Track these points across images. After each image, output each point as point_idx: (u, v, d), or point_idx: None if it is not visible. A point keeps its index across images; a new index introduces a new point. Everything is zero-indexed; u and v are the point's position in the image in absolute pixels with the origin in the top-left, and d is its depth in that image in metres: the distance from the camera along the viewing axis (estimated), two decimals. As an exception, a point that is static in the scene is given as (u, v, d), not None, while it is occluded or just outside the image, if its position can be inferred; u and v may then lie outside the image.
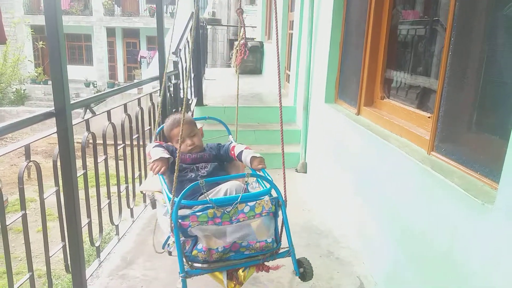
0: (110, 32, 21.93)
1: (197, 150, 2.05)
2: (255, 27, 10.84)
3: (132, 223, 3.05)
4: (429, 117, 2.09)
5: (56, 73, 1.83)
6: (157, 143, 2.07)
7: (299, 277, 1.66)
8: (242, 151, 1.95)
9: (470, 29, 1.81)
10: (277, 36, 1.79)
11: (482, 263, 1.45)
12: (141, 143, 3.17)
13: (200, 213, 1.50)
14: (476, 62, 1.76)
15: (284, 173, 1.75)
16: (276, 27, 1.99)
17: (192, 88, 4.83)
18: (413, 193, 1.99)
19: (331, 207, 3.37)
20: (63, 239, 2.10)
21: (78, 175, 2.09)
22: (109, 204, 2.66)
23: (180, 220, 1.50)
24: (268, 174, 1.80)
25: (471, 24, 1.81)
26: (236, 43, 2.18)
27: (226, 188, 1.69)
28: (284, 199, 1.65)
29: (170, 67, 3.75)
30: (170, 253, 1.76)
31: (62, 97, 1.86)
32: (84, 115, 2.26)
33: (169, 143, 2.17)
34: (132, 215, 3.08)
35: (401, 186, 2.12)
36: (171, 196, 1.54)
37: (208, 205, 1.51)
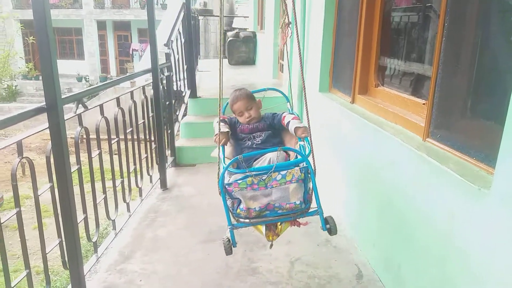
0: (101, 25, 21.70)
1: (255, 121, 2.31)
2: (247, 17, 10.76)
3: (129, 218, 3.04)
4: (423, 104, 2.08)
5: (46, 68, 1.80)
6: (221, 118, 2.26)
7: (327, 232, 1.95)
8: (290, 121, 2.21)
9: (463, 15, 1.80)
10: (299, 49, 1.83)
11: (480, 247, 1.46)
12: (135, 136, 3.15)
13: (241, 181, 1.82)
14: (470, 47, 1.75)
15: (311, 145, 2.03)
16: (298, 48, 2.31)
17: (185, 80, 4.79)
18: (409, 180, 1.99)
19: (326, 195, 3.37)
20: (59, 235, 2.09)
21: (72, 171, 2.07)
22: (105, 199, 2.65)
23: (226, 186, 1.84)
24: (309, 143, 2.05)
25: (465, 9, 1.79)
26: (281, 23, 2.47)
27: (269, 157, 1.99)
28: (313, 168, 1.92)
29: (162, 59, 3.72)
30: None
31: (53, 92, 1.83)
32: (76, 109, 2.23)
33: (233, 116, 2.44)
34: (128, 210, 3.07)
35: (397, 173, 2.12)
36: (223, 165, 1.89)
37: (247, 173, 1.82)
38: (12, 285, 1.77)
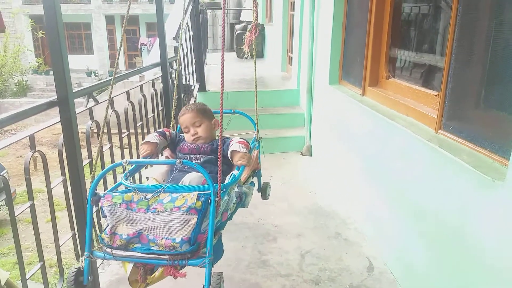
0: (109, 19, 21.76)
1: (201, 142, 1.89)
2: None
3: (140, 211, 3.06)
4: (435, 95, 2.06)
5: (57, 63, 1.81)
6: (161, 130, 2.00)
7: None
8: (233, 144, 1.76)
9: (476, 4, 1.76)
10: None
11: (494, 239, 1.44)
12: (145, 130, 3.16)
13: (117, 194, 1.42)
14: (483, 37, 1.72)
15: (220, 166, 1.44)
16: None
17: (194, 74, 4.79)
18: (422, 172, 1.97)
19: (337, 189, 3.37)
20: (72, 228, 2.11)
21: (84, 164, 2.09)
22: (116, 192, 2.66)
23: (101, 198, 1.42)
24: (240, 170, 1.65)
25: (478, -2, 1.76)
26: (248, 26, 2.07)
27: (186, 179, 1.58)
28: (216, 200, 1.37)
29: (171, 53, 3.72)
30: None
31: (64, 86, 1.84)
32: (87, 103, 2.24)
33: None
34: (139, 203, 3.08)
35: (409, 166, 2.11)
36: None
37: (129, 188, 1.43)
38: (27, 277, 1.80)
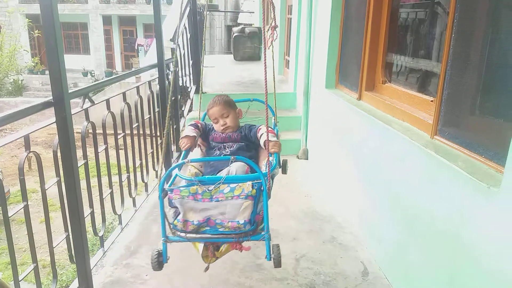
0: (106, 20, 21.71)
1: (230, 131, 2.13)
2: (253, 12, 10.72)
3: (135, 212, 3.05)
4: (431, 101, 2.07)
5: (53, 63, 1.80)
6: (193, 122, 2.18)
7: (271, 261, 1.72)
8: (262, 134, 2.01)
9: (473, 11, 1.77)
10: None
11: (489, 245, 1.45)
12: (141, 132, 3.15)
13: (184, 188, 1.64)
14: (479, 44, 1.73)
15: (268, 157, 1.81)
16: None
17: (191, 76, 4.79)
18: (417, 178, 1.98)
19: (333, 193, 3.37)
20: (66, 230, 2.10)
21: (79, 165, 2.07)
22: (111, 194, 2.65)
23: (168, 192, 1.65)
24: (277, 160, 1.89)
25: (475, 5, 1.77)
26: (266, 27, 2.27)
27: (229, 169, 1.81)
28: (268, 187, 1.66)
29: (168, 55, 3.71)
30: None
31: (60, 86, 1.83)
32: (83, 104, 2.23)
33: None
34: (134, 204, 3.08)
35: (404, 171, 2.11)
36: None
37: (193, 181, 1.64)
38: (20, 278, 1.78)
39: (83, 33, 22.58)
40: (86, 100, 2.24)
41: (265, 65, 1.78)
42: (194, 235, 1.66)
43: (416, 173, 1.99)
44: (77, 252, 2.09)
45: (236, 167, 1.81)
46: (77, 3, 20.90)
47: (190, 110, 4.85)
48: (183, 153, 2.03)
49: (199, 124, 2.17)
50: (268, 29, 2.27)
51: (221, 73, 6.70)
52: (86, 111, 2.27)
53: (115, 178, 2.73)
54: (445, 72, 1.87)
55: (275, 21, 2.20)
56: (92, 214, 2.39)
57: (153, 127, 3.45)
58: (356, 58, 3.00)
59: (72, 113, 1.97)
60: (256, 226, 1.68)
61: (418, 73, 2.43)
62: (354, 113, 2.83)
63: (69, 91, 1.92)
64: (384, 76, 2.72)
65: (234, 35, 8.63)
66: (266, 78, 1.80)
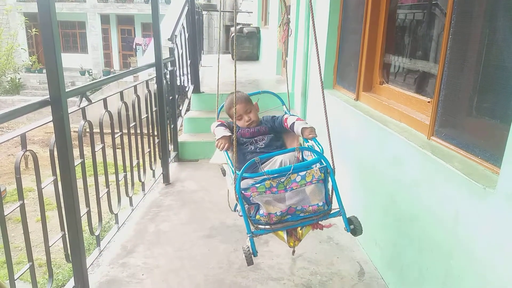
0: (104, 19, 21.67)
1: (254, 125, 2.25)
2: (251, 12, 10.72)
3: (132, 212, 3.05)
4: (428, 102, 2.07)
5: (50, 61, 1.80)
6: (219, 122, 2.26)
7: (350, 233, 1.86)
8: (294, 122, 2.13)
9: (470, 12, 1.78)
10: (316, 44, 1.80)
11: (485, 247, 1.45)
12: (138, 131, 3.15)
13: (259, 184, 1.73)
14: (476, 45, 1.74)
15: (330, 143, 1.95)
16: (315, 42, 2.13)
17: (189, 75, 4.78)
18: (413, 178, 1.98)
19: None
20: (62, 229, 2.10)
21: (75, 164, 2.07)
22: (108, 193, 2.65)
23: (243, 192, 1.74)
24: (319, 143, 1.97)
25: (472, 7, 1.78)
26: (280, 22, 2.42)
27: (281, 159, 1.92)
28: (332, 167, 1.82)
29: (166, 54, 3.71)
30: (240, 215, 1.93)
31: (57, 85, 1.83)
32: (80, 103, 2.23)
33: (230, 120, 2.35)
34: (131, 204, 3.07)
35: (401, 171, 2.12)
36: (231, 170, 1.83)
37: (264, 177, 1.73)
38: (15, 277, 1.78)
39: (81, 32, 22.54)
40: (83, 99, 2.24)
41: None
42: (278, 225, 1.76)
43: (412, 173, 1.99)
44: (73, 251, 2.09)
45: (288, 157, 1.93)
46: (75, 1, 20.86)
47: (187, 110, 4.85)
48: (225, 153, 2.10)
49: (225, 123, 2.25)
50: (281, 25, 2.38)
51: (220, 72, 6.69)
52: (83, 110, 2.27)
53: (112, 177, 2.72)
54: (442, 73, 1.87)
55: (287, 17, 2.31)
56: (88, 213, 2.38)
57: (150, 126, 3.45)
58: (353, 59, 3.00)
59: (69, 112, 1.97)
60: (331, 205, 1.83)
61: (416, 74, 2.43)
62: (352, 114, 2.84)
63: (66, 90, 1.92)
64: (382, 77, 2.72)
65: (232, 35, 8.63)
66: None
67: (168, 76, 3.74)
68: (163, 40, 3.56)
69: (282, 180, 1.73)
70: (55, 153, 1.96)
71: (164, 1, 18.29)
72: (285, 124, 2.21)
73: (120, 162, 2.84)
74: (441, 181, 1.72)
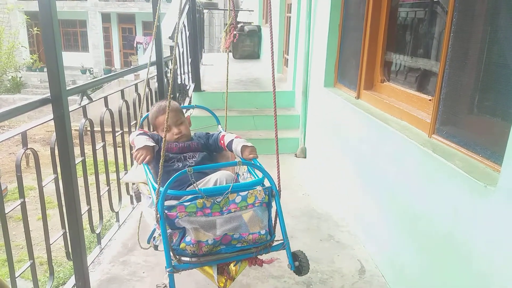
0: (105, 17, 21.66)
1: (184, 139, 1.95)
2: (252, 10, 10.71)
3: (132, 210, 3.05)
4: (430, 100, 2.07)
5: (51, 60, 1.80)
6: (141, 131, 1.98)
7: (294, 271, 1.59)
8: (233, 140, 1.85)
9: (472, 10, 1.78)
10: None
11: (484, 245, 1.45)
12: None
13: (189, 203, 1.43)
14: (478, 43, 1.73)
15: (278, 161, 1.66)
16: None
17: (190, 74, 4.78)
18: (414, 176, 1.98)
19: (331, 191, 3.37)
20: (63, 227, 2.10)
21: (76, 163, 2.07)
22: (109, 191, 2.65)
23: (166, 211, 1.42)
24: (260, 164, 1.69)
25: (473, 4, 1.77)
26: (226, 26, 2.09)
27: (216, 178, 1.61)
28: (278, 188, 1.56)
29: (166, 53, 3.70)
30: (156, 247, 1.66)
31: (58, 84, 1.83)
32: (81, 101, 2.23)
33: (154, 132, 2.09)
34: (132, 202, 3.07)
35: (402, 170, 2.11)
36: (156, 186, 1.45)
37: (197, 195, 1.44)
38: (16, 275, 1.78)
39: (82, 31, 22.52)
40: (84, 97, 2.24)
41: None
42: (208, 258, 1.45)
43: (413, 171, 1.99)
44: (74, 249, 2.09)
45: (225, 176, 1.63)
46: (76, 0, 20.84)
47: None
48: (145, 166, 1.76)
49: (148, 133, 1.96)
50: (226, 29, 2.13)
51: (220, 71, 6.69)
52: (84, 108, 2.27)
53: (112, 176, 2.72)
54: (443, 71, 1.87)
55: (234, 19, 2.08)
56: (89, 211, 2.39)
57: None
58: (355, 57, 3.00)
59: (70, 110, 1.97)
60: (274, 236, 1.55)
61: (417, 72, 2.43)
62: (353, 112, 2.83)
63: (67, 88, 1.92)
64: (383, 75, 2.72)
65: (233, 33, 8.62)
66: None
67: (169, 75, 3.73)
68: (164, 39, 3.55)
69: (218, 200, 1.44)
70: (56, 151, 1.96)
71: (165, 0, 18.28)
72: (221, 142, 1.92)
73: (121, 161, 2.84)
74: (442, 179, 1.72)
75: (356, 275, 2.35)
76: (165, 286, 1.44)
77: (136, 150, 1.81)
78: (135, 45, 21.45)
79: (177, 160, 1.86)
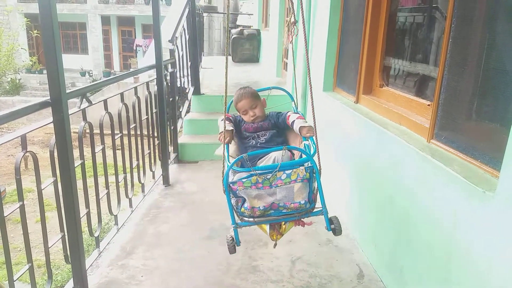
0: (105, 20, 21.70)
1: (259, 120, 2.31)
2: (252, 14, 10.74)
3: (131, 213, 3.04)
4: (428, 105, 2.08)
5: (51, 62, 1.80)
6: (226, 116, 2.26)
7: (331, 232, 1.92)
8: (294, 120, 2.19)
9: (471, 15, 1.78)
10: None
11: (483, 250, 1.45)
12: (138, 132, 3.15)
13: (245, 179, 1.81)
14: (477, 49, 1.74)
15: (317, 145, 1.98)
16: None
17: (189, 77, 4.79)
18: (413, 181, 1.98)
19: (329, 195, 3.37)
20: (62, 230, 2.09)
21: (75, 165, 2.07)
22: (108, 194, 2.65)
23: (230, 185, 1.83)
24: (314, 142, 2.02)
25: (472, 10, 1.78)
26: (287, 21, 2.48)
27: (274, 156, 1.99)
28: (318, 167, 1.89)
29: (166, 56, 3.71)
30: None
31: (57, 86, 1.83)
32: (81, 104, 2.23)
33: (237, 114, 2.45)
34: (130, 205, 3.07)
35: (401, 174, 2.12)
36: (227, 163, 1.92)
37: (252, 172, 1.81)
38: (15, 278, 1.78)
39: (82, 33, 22.56)
40: (84, 100, 2.24)
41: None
42: (261, 219, 1.83)
43: (412, 176, 1.99)
44: (72, 252, 2.09)
45: (280, 154, 1.99)
46: (76, 3, 20.89)
47: (188, 111, 4.85)
48: (225, 146, 2.15)
49: (231, 118, 2.33)
50: (288, 24, 2.39)
51: (220, 74, 6.70)
52: (83, 111, 2.27)
53: (111, 179, 2.72)
54: (442, 76, 1.88)
55: (294, 16, 2.42)
56: (88, 214, 2.38)
57: (150, 128, 3.45)
58: (354, 61, 3.00)
59: (70, 113, 1.97)
60: (314, 204, 1.87)
61: (416, 77, 2.44)
62: (351, 116, 2.84)
63: (67, 91, 1.92)
64: (382, 79, 2.73)
65: (233, 37, 8.64)
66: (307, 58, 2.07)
67: (168, 78, 3.74)
68: (164, 42, 3.56)
69: (268, 176, 1.80)
70: (55, 154, 1.97)
71: (165, 3, 18.33)
72: (287, 121, 2.27)
73: (120, 163, 2.84)
74: (441, 184, 1.72)
75: (355, 280, 2.35)
76: (232, 237, 1.86)
77: (219, 133, 2.15)
78: (134, 47, 21.49)
79: (252, 138, 2.28)
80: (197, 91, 4.90)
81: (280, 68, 6.45)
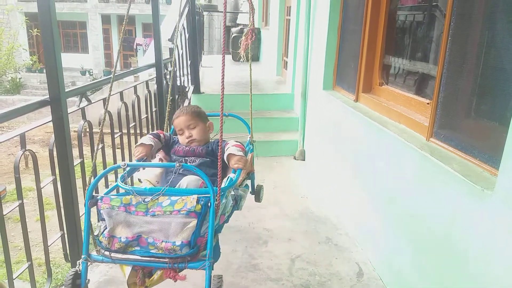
0: (105, 19, 21.68)
1: (196, 144, 1.91)
2: (252, 13, 10.72)
3: (131, 212, 3.04)
4: (428, 103, 2.08)
5: (50, 61, 1.80)
6: (155, 132, 2.02)
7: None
8: (228, 147, 1.78)
9: (470, 14, 1.78)
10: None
11: (481, 248, 1.45)
12: (138, 131, 3.15)
13: (115, 196, 1.41)
14: (476, 47, 1.74)
15: (220, 174, 1.44)
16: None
17: (189, 76, 4.79)
18: (412, 180, 1.99)
19: (329, 194, 3.38)
20: (61, 228, 2.10)
21: (75, 164, 2.07)
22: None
23: (96, 200, 1.43)
24: (238, 173, 1.67)
25: (471, 9, 1.78)
26: (245, 29, 2.07)
27: (186, 182, 1.60)
28: (216, 204, 1.39)
29: (165, 54, 3.71)
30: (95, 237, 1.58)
31: (56, 85, 1.84)
32: (80, 103, 2.23)
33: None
34: (130, 204, 3.06)
35: (400, 173, 2.12)
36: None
37: (129, 191, 1.43)
38: (14, 276, 1.78)
39: (82, 32, 22.54)
40: (83, 99, 2.24)
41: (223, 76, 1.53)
42: (120, 256, 1.37)
43: (411, 174, 2.00)
44: (72, 251, 2.09)
45: (187, 181, 1.59)
46: (76, 1, 20.87)
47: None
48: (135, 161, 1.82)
49: (161, 135, 1.97)
50: (246, 32, 2.06)
51: (219, 73, 6.69)
52: (82, 110, 2.27)
53: (111, 177, 2.72)
54: (441, 75, 1.88)
55: (253, 23, 2.06)
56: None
57: (150, 126, 3.45)
58: (353, 60, 3.00)
59: (69, 111, 1.97)
60: (197, 251, 1.38)
61: (415, 76, 2.44)
62: (351, 115, 2.84)
63: (66, 90, 1.92)
64: (381, 78, 2.73)
65: (233, 35, 8.63)
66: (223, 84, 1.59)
67: (168, 77, 3.74)
68: (164, 41, 3.56)
69: (146, 200, 1.40)
70: (55, 152, 1.97)
71: (165, 2, 18.31)
72: (225, 149, 1.82)
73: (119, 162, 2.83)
74: (440, 183, 1.72)
75: (354, 278, 2.35)
76: (75, 272, 1.40)
77: (135, 146, 1.86)
78: (135, 46, 21.47)
79: (177, 162, 1.84)
80: (197, 90, 4.90)
81: (281, 67, 6.45)
